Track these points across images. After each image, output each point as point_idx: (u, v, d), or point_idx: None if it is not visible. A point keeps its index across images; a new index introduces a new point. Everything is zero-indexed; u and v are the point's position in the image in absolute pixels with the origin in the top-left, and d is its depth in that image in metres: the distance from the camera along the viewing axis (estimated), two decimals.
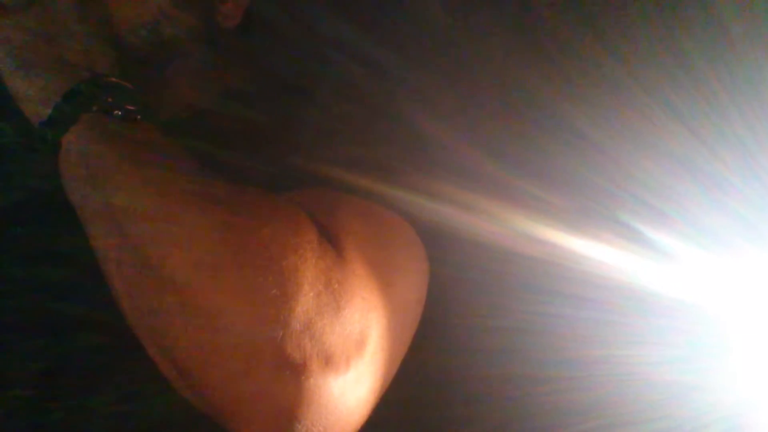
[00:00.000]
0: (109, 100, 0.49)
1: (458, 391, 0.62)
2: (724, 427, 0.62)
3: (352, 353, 0.44)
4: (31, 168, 0.58)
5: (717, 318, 0.62)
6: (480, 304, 0.62)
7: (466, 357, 0.62)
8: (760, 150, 0.62)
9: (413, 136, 0.62)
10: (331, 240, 0.48)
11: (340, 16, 0.66)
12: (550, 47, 0.67)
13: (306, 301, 0.43)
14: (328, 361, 0.43)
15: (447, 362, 0.60)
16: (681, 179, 0.63)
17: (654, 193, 0.64)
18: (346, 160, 0.56)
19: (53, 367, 0.57)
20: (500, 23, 0.68)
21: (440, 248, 0.55)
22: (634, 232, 0.63)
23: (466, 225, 0.57)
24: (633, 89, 0.65)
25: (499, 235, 0.59)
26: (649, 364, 0.62)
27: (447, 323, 0.58)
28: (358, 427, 0.47)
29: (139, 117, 0.49)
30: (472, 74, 0.69)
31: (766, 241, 0.63)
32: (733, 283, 0.62)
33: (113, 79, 0.50)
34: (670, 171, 0.64)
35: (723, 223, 0.63)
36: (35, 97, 0.48)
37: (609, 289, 0.61)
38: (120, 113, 0.49)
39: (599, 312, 0.62)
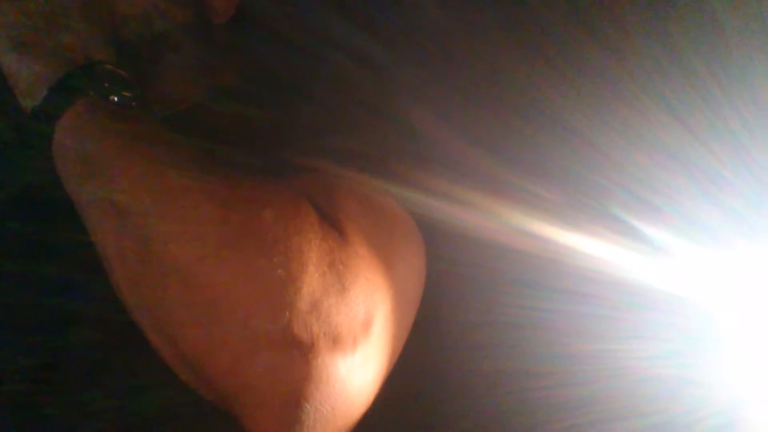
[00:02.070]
0: (106, 85, 0.48)
1: (451, 387, 0.62)
2: (718, 421, 0.62)
3: (359, 334, 0.44)
4: (27, 163, 0.58)
5: (711, 312, 0.62)
6: (473, 299, 0.62)
7: (458, 352, 0.62)
8: (754, 144, 0.62)
9: (407, 131, 0.62)
10: (332, 222, 0.48)
11: (333, 10, 0.66)
12: (544, 42, 0.67)
13: (312, 282, 0.43)
14: (335, 341, 0.43)
15: (439, 357, 0.60)
16: (674, 174, 0.63)
17: (647, 188, 0.64)
18: (339, 154, 0.56)
19: (49, 363, 0.57)
20: (493, 18, 0.68)
21: (433, 243, 0.55)
22: (627, 226, 0.63)
23: (459, 220, 0.57)
24: (627, 84, 0.65)
25: (493, 229, 0.59)
26: (643, 358, 0.62)
27: (440, 318, 0.58)
28: (364, 409, 0.47)
29: (134, 104, 0.49)
30: (466, 69, 0.69)
31: (760, 235, 0.63)
32: (727, 278, 0.62)
33: (110, 67, 0.50)
34: (663, 166, 0.63)
35: (717, 217, 0.63)
36: (29, 80, 0.48)
37: (602, 283, 0.61)
38: (116, 99, 0.48)
39: (593, 307, 0.62)
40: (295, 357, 0.42)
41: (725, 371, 0.63)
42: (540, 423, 0.62)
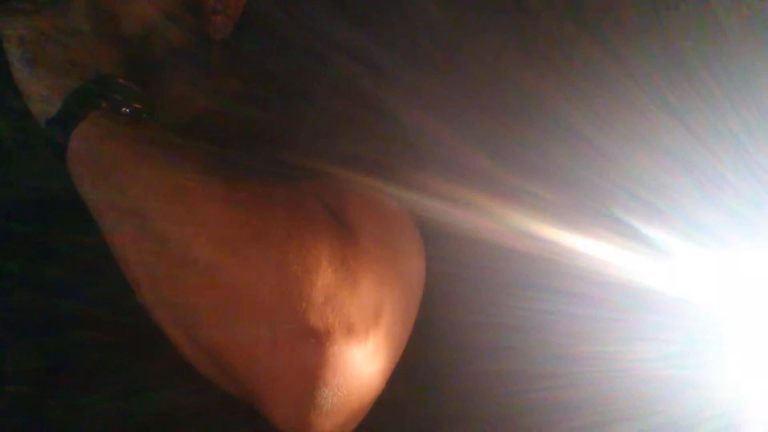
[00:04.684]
0: (117, 98, 0.50)
1: (452, 388, 0.62)
2: (719, 423, 0.62)
3: (370, 324, 0.47)
4: (29, 166, 0.59)
5: (712, 314, 0.62)
6: (474, 301, 0.62)
7: (459, 353, 0.62)
8: (755, 145, 0.62)
9: (409, 134, 0.62)
10: (341, 222, 0.50)
11: (336, 14, 0.66)
12: (545, 44, 0.67)
13: (326, 276, 0.45)
14: (349, 330, 0.45)
15: (440, 359, 0.60)
16: (676, 175, 0.63)
17: (649, 190, 0.64)
18: (342, 157, 0.56)
19: (52, 365, 0.57)
20: (495, 21, 0.68)
21: (435, 245, 0.56)
22: (629, 228, 0.63)
23: (460, 222, 0.57)
24: (628, 86, 0.65)
25: (494, 231, 0.59)
26: (645, 360, 0.62)
27: (441, 319, 0.59)
28: (376, 396, 0.49)
29: (145, 116, 0.51)
30: (468, 72, 0.69)
31: (761, 237, 0.63)
32: (728, 280, 0.63)
33: (120, 80, 0.51)
34: (665, 167, 0.64)
35: (718, 219, 0.63)
36: (43, 94, 0.50)
37: (604, 285, 0.61)
38: (128, 111, 0.50)
39: (594, 308, 0.62)
40: (311, 344, 0.44)
41: (727, 373, 0.63)
42: (542, 425, 0.62)
